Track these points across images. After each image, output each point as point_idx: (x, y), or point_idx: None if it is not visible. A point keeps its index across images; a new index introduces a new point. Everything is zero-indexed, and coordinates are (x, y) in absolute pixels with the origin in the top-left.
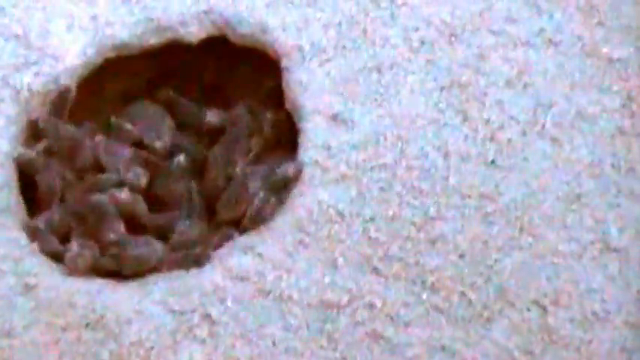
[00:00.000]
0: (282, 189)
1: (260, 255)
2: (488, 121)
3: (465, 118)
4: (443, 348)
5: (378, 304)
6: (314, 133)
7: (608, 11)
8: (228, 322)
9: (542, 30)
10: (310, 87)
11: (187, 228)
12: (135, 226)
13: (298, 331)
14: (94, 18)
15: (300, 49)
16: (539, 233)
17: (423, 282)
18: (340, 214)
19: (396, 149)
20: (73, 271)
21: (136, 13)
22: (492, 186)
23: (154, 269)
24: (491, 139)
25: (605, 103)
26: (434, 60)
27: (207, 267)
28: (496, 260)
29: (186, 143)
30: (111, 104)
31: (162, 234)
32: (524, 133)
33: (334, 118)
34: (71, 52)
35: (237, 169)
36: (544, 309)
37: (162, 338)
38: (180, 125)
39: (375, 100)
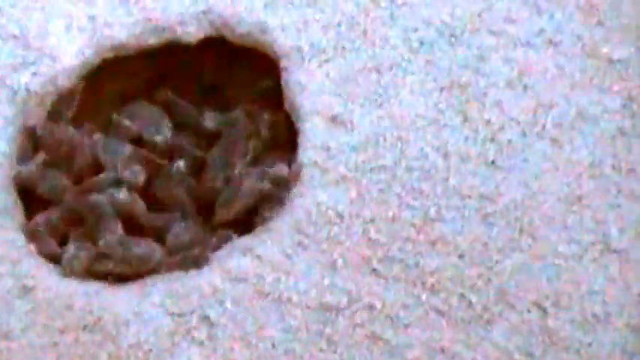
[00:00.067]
0: (278, 189)
1: (259, 257)
2: (488, 121)
3: (465, 119)
4: (443, 350)
5: (378, 305)
6: (313, 134)
7: (609, 11)
8: (227, 324)
9: (542, 30)
10: (309, 88)
11: (182, 230)
12: (133, 226)
13: (297, 333)
14: (92, 18)
15: (299, 49)
16: (540, 234)
17: (423, 283)
18: (339, 215)
19: (395, 150)
20: (70, 273)
21: (134, 14)
22: (492, 187)
23: (153, 271)
24: (492, 139)
25: (605, 103)
26: (434, 60)
27: (206, 269)
28: (496, 261)
29: (185, 143)
30: (109, 105)
31: (160, 235)
32: (524, 134)
33: (333, 119)
34: (69, 53)
35: (236, 171)
36: (544, 310)
37: (161, 340)
38: (177, 126)
39: (375, 100)
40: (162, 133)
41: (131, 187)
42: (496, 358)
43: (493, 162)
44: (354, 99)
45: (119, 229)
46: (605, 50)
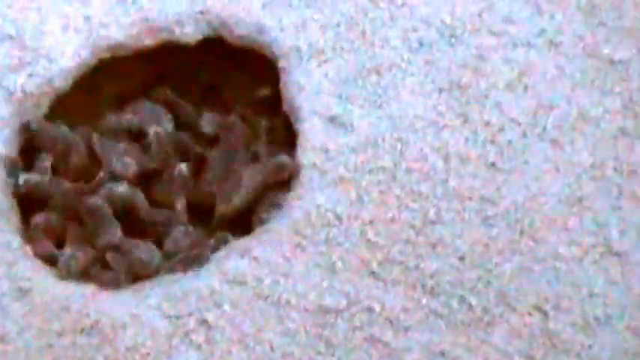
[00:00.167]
0: (278, 181)
1: (257, 259)
2: (488, 123)
3: (465, 120)
4: (442, 353)
5: (377, 308)
6: (312, 135)
7: (610, 12)
8: (225, 327)
9: (542, 31)
10: (308, 88)
11: (182, 235)
12: (133, 221)
13: (296, 335)
14: (88, 19)
15: (297, 50)
16: (540, 236)
17: (423, 286)
18: (338, 217)
19: (395, 152)
20: (66, 274)
21: (131, 14)
22: (493, 189)
23: (151, 274)
24: (492, 141)
25: (606, 104)
26: (433, 61)
27: (204, 271)
28: (496, 264)
29: (186, 139)
30: (106, 105)
31: (161, 233)
32: (524, 135)
33: (332, 120)
34: (66, 53)
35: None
36: (545, 313)
37: (158, 343)
38: (176, 124)
39: (374, 101)
40: (164, 127)
41: (123, 179)
42: None
43: (493, 163)
44: (353, 100)
45: (118, 232)
46: (606, 51)
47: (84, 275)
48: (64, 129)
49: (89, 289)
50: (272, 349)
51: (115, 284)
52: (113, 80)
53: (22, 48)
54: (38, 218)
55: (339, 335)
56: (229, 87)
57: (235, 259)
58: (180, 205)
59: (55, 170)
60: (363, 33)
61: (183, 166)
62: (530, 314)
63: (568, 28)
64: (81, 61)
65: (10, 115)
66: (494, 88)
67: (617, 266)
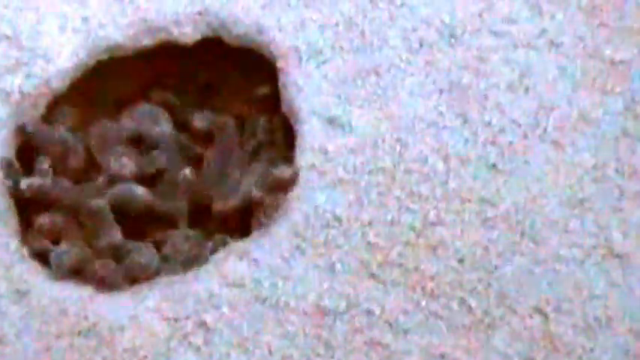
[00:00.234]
0: (277, 190)
1: (256, 261)
2: (488, 124)
3: (465, 121)
4: (443, 356)
5: (377, 310)
6: (311, 136)
7: (611, 12)
8: (224, 330)
9: (543, 31)
10: (307, 89)
11: (181, 240)
12: (134, 221)
13: (295, 338)
14: (86, 19)
15: (296, 50)
16: (541, 238)
17: (423, 288)
18: (338, 218)
19: (394, 153)
20: (58, 271)
21: (128, 14)
22: (493, 190)
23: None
24: (492, 142)
25: (608, 105)
26: (433, 62)
27: (202, 273)
28: (497, 266)
29: (184, 141)
30: (103, 107)
31: (173, 222)
32: (525, 137)
33: (331, 120)
34: (63, 54)
35: (233, 169)
36: (546, 315)
37: (157, 346)
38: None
39: (374, 102)
40: (162, 129)
41: (120, 179)
42: None
43: (494, 165)
44: (352, 100)
45: (118, 234)
46: (607, 51)
47: (76, 273)
48: (61, 131)
49: (87, 291)
50: (271, 351)
51: (111, 285)
52: (111, 81)
53: (19, 48)
54: (42, 219)
55: (338, 338)
56: (228, 87)
57: (234, 261)
58: (182, 208)
59: (53, 172)
60: (363, 33)
61: (187, 171)
62: (530, 316)
63: (569, 29)
64: (78, 62)
65: (7, 116)
66: (494, 88)
67: (618, 268)
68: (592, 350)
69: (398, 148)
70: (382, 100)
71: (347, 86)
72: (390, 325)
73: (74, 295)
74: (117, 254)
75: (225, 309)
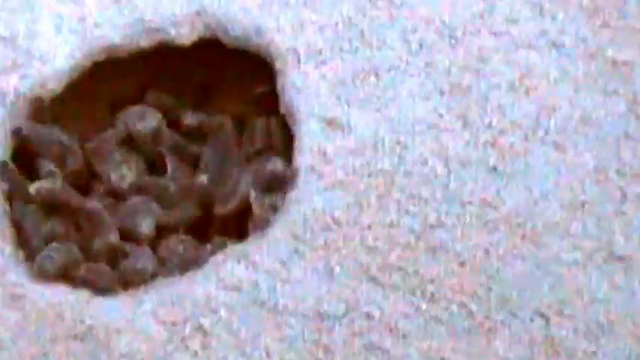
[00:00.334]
0: (274, 189)
1: (254, 264)
2: (489, 125)
3: (466, 123)
4: None
5: (376, 314)
6: (309, 137)
7: (613, 12)
8: (221, 334)
9: (544, 32)
10: (305, 90)
11: (177, 244)
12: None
13: (293, 342)
14: (82, 19)
15: (295, 51)
16: (542, 241)
17: (423, 292)
18: (337, 221)
19: (394, 155)
20: (40, 274)
21: (125, 15)
22: (494, 193)
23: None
24: (493, 144)
25: (610, 106)
26: (433, 62)
27: (200, 276)
28: (498, 269)
29: (180, 141)
30: (100, 108)
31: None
32: (526, 139)
33: (330, 122)
34: (59, 55)
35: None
36: (547, 319)
37: (154, 350)
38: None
39: (373, 103)
40: (148, 124)
41: (120, 188)
42: None
43: (494, 167)
44: (351, 102)
45: (116, 237)
46: (609, 52)
47: (62, 277)
48: (58, 132)
49: (83, 295)
50: (269, 355)
51: (104, 288)
52: (108, 82)
53: (15, 49)
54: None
55: (337, 342)
56: (225, 88)
57: (232, 264)
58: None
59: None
60: (362, 33)
61: (204, 177)
62: (532, 320)
63: (571, 29)
64: (75, 63)
65: (2, 117)
66: (495, 90)
67: (620, 271)
68: (594, 354)
69: (397, 149)
70: (382, 102)
71: (346, 87)
72: (390, 329)
73: (70, 299)
74: (113, 256)
75: (222, 312)
